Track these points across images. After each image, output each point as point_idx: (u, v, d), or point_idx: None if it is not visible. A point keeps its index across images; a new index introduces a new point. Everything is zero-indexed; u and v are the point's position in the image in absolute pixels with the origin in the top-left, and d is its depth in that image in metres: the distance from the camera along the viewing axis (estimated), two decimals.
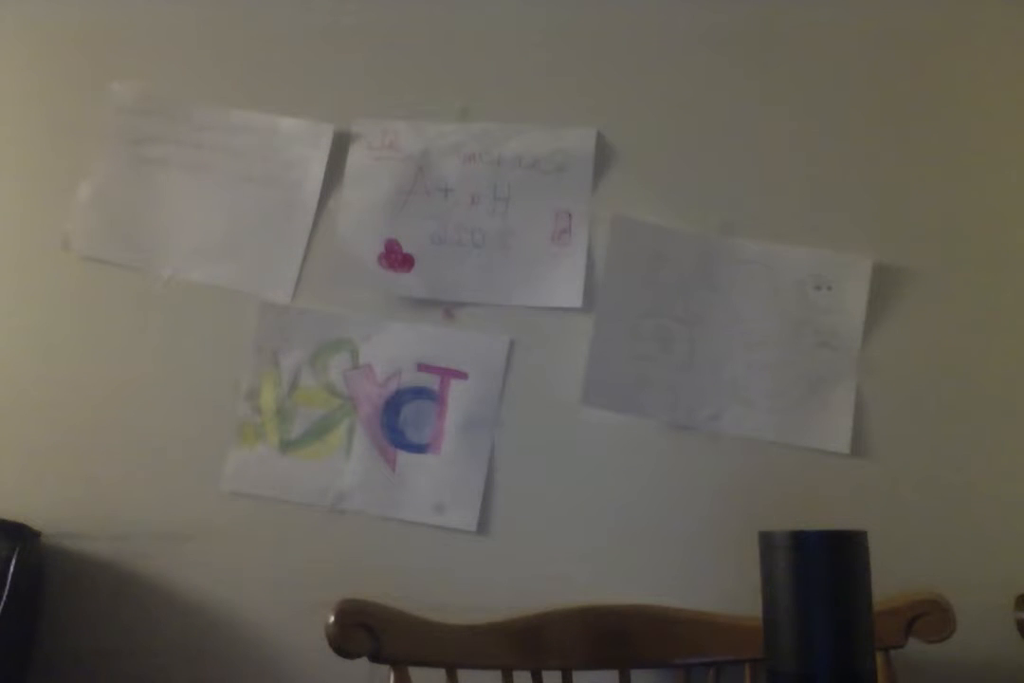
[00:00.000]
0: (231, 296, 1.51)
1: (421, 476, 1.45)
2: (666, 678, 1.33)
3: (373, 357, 1.49)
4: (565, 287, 1.49)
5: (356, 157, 1.54)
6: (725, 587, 1.32)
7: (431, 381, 1.48)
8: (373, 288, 1.51)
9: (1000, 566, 1.38)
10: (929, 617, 1.20)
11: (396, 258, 1.51)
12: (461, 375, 1.48)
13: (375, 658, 1.11)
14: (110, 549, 1.43)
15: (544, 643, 1.23)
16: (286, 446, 1.47)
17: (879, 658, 1.15)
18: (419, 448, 1.46)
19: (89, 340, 1.50)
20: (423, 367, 1.48)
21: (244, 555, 1.43)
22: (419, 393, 1.48)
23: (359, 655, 1.10)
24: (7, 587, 1.28)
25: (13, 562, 1.29)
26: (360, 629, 1.10)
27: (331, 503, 1.45)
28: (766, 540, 0.87)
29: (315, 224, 1.52)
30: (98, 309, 1.51)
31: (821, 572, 0.84)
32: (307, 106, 1.55)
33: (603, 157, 1.52)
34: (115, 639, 1.41)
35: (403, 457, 1.46)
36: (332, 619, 1.09)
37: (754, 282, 1.49)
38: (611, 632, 1.26)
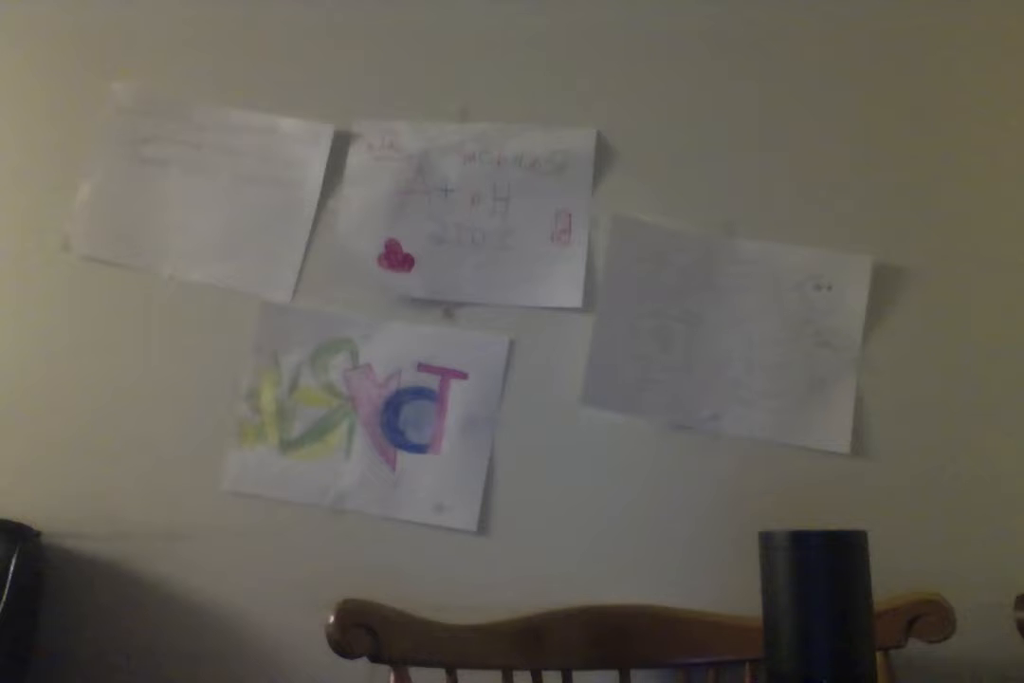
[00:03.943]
0: (231, 296, 1.51)
1: (421, 476, 1.45)
2: (666, 678, 1.33)
3: (373, 357, 1.49)
4: (565, 287, 1.49)
5: (356, 157, 1.54)
6: (725, 587, 1.32)
7: (431, 381, 1.48)
8: (373, 288, 1.51)
9: (1000, 566, 1.38)
10: (929, 617, 1.20)
11: (396, 258, 1.51)
12: (461, 375, 1.48)
13: (375, 658, 1.11)
14: (110, 549, 1.43)
15: (544, 643, 1.23)
16: (286, 446, 1.47)
17: (879, 658, 1.14)
18: (419, 448, 1.46)
19: (89, 340, 1.50)
20: (423, 367, 1.48)
21: (244, 555, 1.43)
22: (419, 393, 1.48)
23: (359, 655, 1.10)
24: (7, 587, 1.28)
25: (13, 562, 1.29)
26: (360, 629, 1.10)
27: (331, 503, 1.45)
28: (766, 540, 0.87)
29: (315, 224, 1.52)
30: (98, 309, 1.51)
31: (821, 572, 0.84)
32: (307, 106, 1.55)
33: (603, 157, 1.52)
34: (115, 639, 1.41)
35: (403, 457, 1.46)
36: (332, 619, 1.09)
37: (754, 282, 1.48)
38: (611, 632, 1.26)
